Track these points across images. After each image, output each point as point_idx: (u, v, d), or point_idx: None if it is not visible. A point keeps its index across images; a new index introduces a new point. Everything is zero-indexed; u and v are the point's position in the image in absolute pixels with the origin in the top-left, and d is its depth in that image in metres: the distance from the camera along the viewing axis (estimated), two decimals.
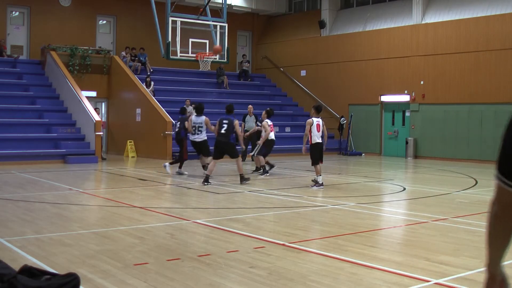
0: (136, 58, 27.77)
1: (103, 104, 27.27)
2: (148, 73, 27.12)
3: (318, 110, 14.48)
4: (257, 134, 19.07)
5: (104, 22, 29.43)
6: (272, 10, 33.01)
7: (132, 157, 24.20)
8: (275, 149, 26.48)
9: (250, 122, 22.10)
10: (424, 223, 9.61)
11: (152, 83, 26.28)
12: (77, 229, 8.80)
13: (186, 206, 11.46)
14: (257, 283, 5.93)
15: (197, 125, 16.46)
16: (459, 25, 24.63)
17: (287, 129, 28.14)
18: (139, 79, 25.97)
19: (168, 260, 6.80)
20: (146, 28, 27.98)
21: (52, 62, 24.98)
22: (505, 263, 2.46)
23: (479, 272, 6.45)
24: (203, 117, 16.44)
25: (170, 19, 20.66)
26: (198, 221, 9.43)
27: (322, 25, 30.39)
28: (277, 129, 27.63)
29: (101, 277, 6.04)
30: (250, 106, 22.05)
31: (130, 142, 24.62)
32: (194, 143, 16.80)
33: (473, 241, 8.17)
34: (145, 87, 25.46)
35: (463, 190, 14.40)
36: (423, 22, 26.06)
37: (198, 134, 16.46)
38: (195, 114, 16.77)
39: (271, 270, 6.41)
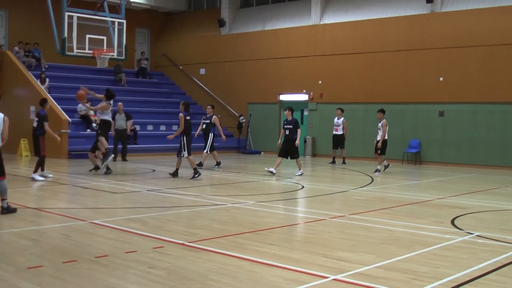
0: (30, 54, 26.79)
1: None
2: (43, 69, 26.23)
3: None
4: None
5: None
6: (171, 7, 32.76)
7: (26, 156, 23.33)
8: (175, 147, 26.34)
9: (120, 121, 21.86)
10: (322, 221, 9.78)
11: (47, 79, 25.44)
12: None
13: (82, 206, 11.15)
14: (156, 283, 5.85)
15: None
16: (355, 26, 25.32)
17: None
18: (33, 75, 25.08)
19: (64, 262, 6.59)
20: (41, 23, 27.00)
21: None
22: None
23: (376, 267, 6.63)
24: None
25: (66, 14, 20.04)
26: (95, 221, 9.20)
27: (221, 23, 30.44)
28: (175, 127, 27.51)
29: None
30: (120, 103, 21.94)
31: (23, 140, 23.72)
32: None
33: (369, 237, 8.39)
34: (39, 83, 24.62)
35: (360, 187, 14.79)
36: (321, 22, 26.60)
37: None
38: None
39: (170, 270, 6.34)
